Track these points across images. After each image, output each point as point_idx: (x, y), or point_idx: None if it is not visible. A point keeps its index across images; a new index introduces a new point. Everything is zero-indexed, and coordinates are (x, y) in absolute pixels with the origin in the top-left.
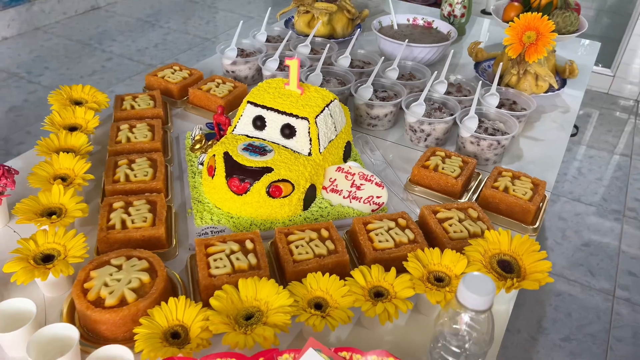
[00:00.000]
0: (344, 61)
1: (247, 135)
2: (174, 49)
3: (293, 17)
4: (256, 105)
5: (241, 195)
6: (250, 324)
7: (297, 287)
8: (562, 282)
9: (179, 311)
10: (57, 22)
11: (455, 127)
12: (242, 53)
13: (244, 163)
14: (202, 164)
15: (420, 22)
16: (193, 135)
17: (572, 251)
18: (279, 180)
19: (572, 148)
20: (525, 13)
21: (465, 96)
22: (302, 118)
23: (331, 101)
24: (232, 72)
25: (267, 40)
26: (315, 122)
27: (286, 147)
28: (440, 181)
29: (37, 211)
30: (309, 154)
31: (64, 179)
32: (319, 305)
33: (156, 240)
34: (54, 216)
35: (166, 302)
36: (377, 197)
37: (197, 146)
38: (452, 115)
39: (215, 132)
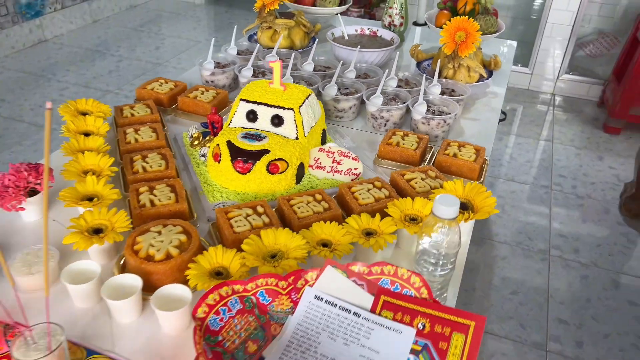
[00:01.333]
0: (308, 67)
1: (242, 127)
2: (128, 75)
3: (256, 33)
4: (248, 101)
5: (245, 174)
6: (276, 260)
7: (307, 233)
8: (505, 247)
9: (218, 256)
10: (6, 56)
11: (408, 114)
12: (217, 65)
13: (245, 147)
14: (203, 155)
15: (367, 32)
16: (190, 134)
17: (511, 222)
18: (276, 159)
19: (504, 138)
20: (455, 17)
21: (413, 88)
22: (288, 109)
23: (309, 95)
24: (212, 81)
25: (238, 54)
26: (300, 111)
27: (276, 134)
28: (402, 154)
29: (78, 197)
30: (296, 137)
31: (91, 172)
32: (324, 245)
33: (181, 214)
34: (95, 199)
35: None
36: (355, 168)
37: (196, 142)
38: (404, 103)
39: (210, 130)
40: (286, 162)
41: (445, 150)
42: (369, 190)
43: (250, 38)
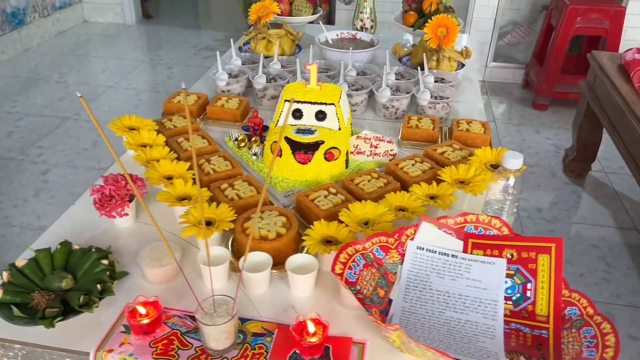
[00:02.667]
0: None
1: (291, 125)
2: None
3: (248, 43)
4: (292, 101)
5: (306, 164)
6: (369, 226)
7: (385, 203)
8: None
9: (323, 228)
10: None
11: (412, 102)
12: (230, 75)
13: (302, 141)
14: (255, 154)
15: (347, 36)
16: (233, 138)
17: None
18: (330, 148)
19: None
20: (436, 15)
21: (409, 80)
22: (330, 104)
23: (341, 91)
24: (228, 91)
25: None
26: (339, 105)
27: (322, 127)
28: (423, 134)
29: (174, 198)
30: (339, 128)
31: (169, 177)
32: (401, 210)
33: (264, 202)
34: (187, 199)
35: (300, 235)
36: (390, 150)
37: (242, 144)
38: (408, 93)
39: (251, 132)
40: (339, 149)
41: (458, 127)
42: (413, 165)
43: (240, 49)
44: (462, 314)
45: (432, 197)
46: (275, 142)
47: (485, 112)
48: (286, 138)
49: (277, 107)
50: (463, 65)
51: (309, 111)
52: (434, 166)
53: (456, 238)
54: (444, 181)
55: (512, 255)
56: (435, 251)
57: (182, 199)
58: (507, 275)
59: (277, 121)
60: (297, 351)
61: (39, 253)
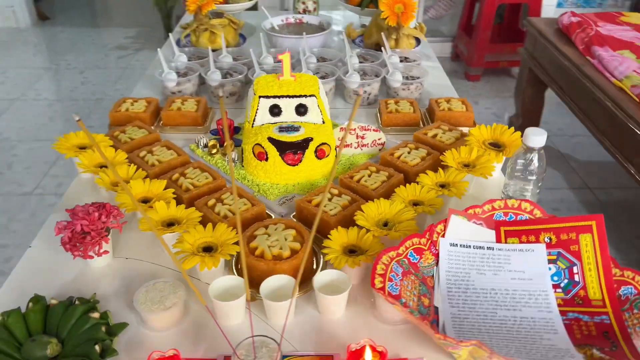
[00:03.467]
0: (269, 59)
1: (266, 123)
2: None
3: (188, 36)
4: (268, 97)
5: (297, 165)
6: (390, 227)
7: (398, 198)
8: None
9: (342, 237)
10: None
11: (382, 85)
12: (178, 74)
13: (289, 140)
14: (233, 161)
15: (292, 21)
16: (202, 144)
17: None
18: (321, 145)
19: None
20: None
21: (372, 62)
22: (310, 96)
23: (318, 81)
24: (179, 91)
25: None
26: (320, 96)
27: (305, 122)
28: (404, 118)
29: (158, 224)
30: (323, 122)
31: (144, 201)
32: (416, 204)
33: (261, 215)
34: (176, 224)
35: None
36: (378, 139)
37: (214, 151)
38: (377, 76)
39: (221, 136)
40: (329, 145)
41: (439, 107)
42: (409, 152)
43: (178, 43)
44: (515, 310)
45: (443, 186)
46: (257, 144)
47: None
48: (270, 139)
49: (251, 105)
50: (419, 42)
51: (287, 106)
52: (431, 151)
53: (487, 228)
54: (448, 167)
55: (550, 239)
56: (470, 245)
57: (169, 224)
58: (550, 261)
59: (253, 121)
60: None
61: (6, 317)
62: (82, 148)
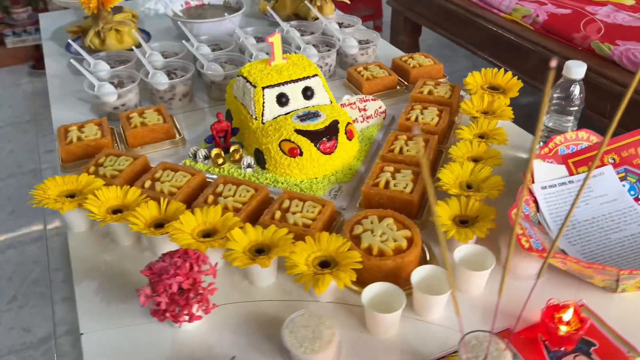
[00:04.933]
0: (204, 49)
1: (278, 116)
2: None
3: (79, 39)
4: (272, 86)
5: (333, 152)
6: (476, 189)
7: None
8: None
9: (454, 207)
10: None
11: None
12: (118, 87)
13: (317, 128)
14: (249, 166)
15: (193, 3)
16: (200, 157)
17: None
18: (347, 125)
19: None
20: None
21: (313, 33)
22: (313, 76)
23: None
24: (122, 105)
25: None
26: (322, 75)
27: (315, 106)
28: (384, 82)
29: (245, 258)
30: (330, 102)
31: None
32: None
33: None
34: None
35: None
36: (379, 107)
37: (220, 160)
38: (330, 46)
39: (217, 143)
40: (352, 123)
41: (409, 64)
42: (422, 113)
43: (68, 46)
44: (621, 231)
45: (481, 137)
46: (285, 140)
47: None
48: (298, 131)
49: (255, 100)
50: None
51: (293, 92)
52: (440, 107)
53: (557, 164)
54: (474, 118)
55: (613, 159)
56: (555, 184)
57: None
58: (620, 179)
59: (262, 116)
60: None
61: None
62: (71, 196)
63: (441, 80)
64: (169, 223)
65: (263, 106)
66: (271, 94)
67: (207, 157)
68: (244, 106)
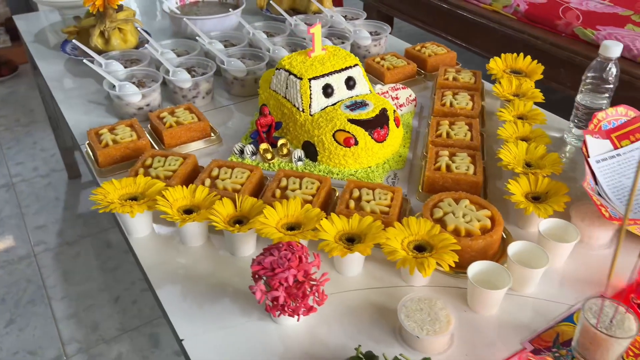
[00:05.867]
0: (217, 45)
1: (326, 106)
2: None
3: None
4: (317, 77)
5: (385, 140)
6: (536, 167)
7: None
8: None
9: (524, 185)
10: None
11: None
12: (139, 87)
13: (369, 117)
14: (300, 159)
15: (188, 1)
16: (247, 153)
17: None
18: (394, 112)
19: None
20: None
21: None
22: (354, 66)
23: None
24: (147, 105)
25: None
26: (361, 64)
27: (357, 95)
28: (404, 71)
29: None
30: (370, 91)
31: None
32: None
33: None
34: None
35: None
36: (410, 96)
37: (269, 155)
38: (343, 38)
39: (261, 138)
40: (397, 112)
41: (423, 52)
42: (455, 99)
43: (64, 47)
44: None
45: (520, 118)
46: (339, 131)
47: None
48: (351, 121)
49: (301, 92)
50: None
51: (337, 82)
52: (470, 92)
53: (602, 139)
54: (507, 101)
55: None
56: (606, 158)
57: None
58: None
59: (309, 108)
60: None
61: None
62: (133, 199)
63: (457, 67)
64: (254, 219)
65: (310, 98)
66: (317, 85)
67: (254, 153)
68: (287, 99)
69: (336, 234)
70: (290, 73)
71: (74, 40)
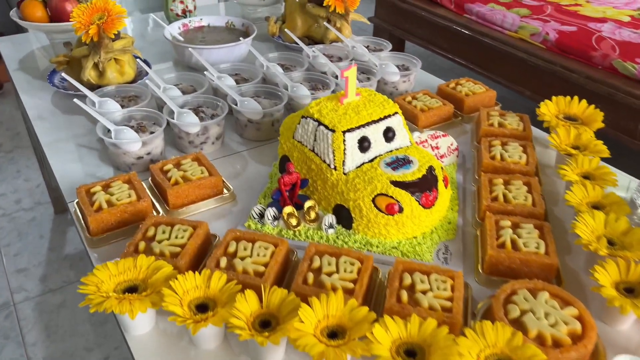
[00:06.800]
0: (227, 80)
1: (362, 163)
2: None
3: (54, 75)
4: (352, 130)
5: (433, 205)
6: (620, 246)
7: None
8: None
9: (614, 272)
10: None
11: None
12: (139, 131)
13: (414, 178)
14: (331, 227)
15: (191, 26)
16: (268, 218)
17: None
18: (442, 170)
19: None
20: None
21: (341, 61)
22: (393, 115)
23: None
24: (147, 154)
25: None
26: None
27: (398, 149)
28: (440, 113)
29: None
30: (410, 143)
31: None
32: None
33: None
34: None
35: None
36: (451, 144)
37: (294, 221)
38: (369, 74)
39: (285, 199)
40: (442, 168)
41: (460, 92)
42: (505, 150)
43: (51, 79)
44: None
45: (585, 177)
46: (380, 195)
47: None
48: (394, 183)
49: (334, 146)
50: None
51: (375, 134)
52: (520, 143)
53: None
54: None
55: None
56: None
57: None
58: None
59: (343, 165)
60: None
61: None
62: (132, 289)
63: (497, 108)
64: (286, 325)
65: (344, 153)
66: (352, 139)
67: (276, 218)
68: (315, 154)
69: (392, 344)
70: (320, 123)
71: (63, 73)
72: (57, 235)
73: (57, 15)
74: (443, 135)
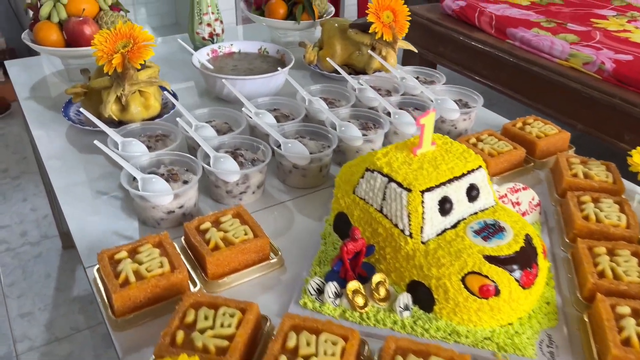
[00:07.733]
0: (267, 117)
1: (444, 230)
2: None
3: (71, 107)
4: (431, 189)
5: (533, 284)
6: None
7: None
8: None
9: None
10: None
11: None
12: (170, 180)
13: (511, 251)
14: (407, 309)
15: (220, 52)
16: (329, 296)
17: None
18: (537, 239)
19: None
20: None
21: (390, 95)
22: (477, 169)
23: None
24: (179, 207)
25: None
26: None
27: (483, 211)
28: (511, 158)
29: None
30: (494, 202)
31: None
32: None
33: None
34: None
35: None
36: (532, 199)
37: (360, 300)
38: (421, 109)
39: (346, 270)
40: (539, 236)
41: (531, 134)
42: (598, 207)
43: (66, 111)
44: None
45: None
46: (472, 273)
47: None
48: (488, 258)
49: (410, 209)
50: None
51: (457, 194)
52: (615, 200)
53: None
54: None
55: None
56: None
57: None
58: None
59: (421, 233)
60: None
61: None
62: None
63: (573, 153)
64: None
65: (423, 218)
66: (432, 200)
67: (338, 295)
68: (384, 215)
69: None
70: (392, 179)
71: (81, 109)
72: (65, 274)
73: (73, 38)
74: (524, 189)
